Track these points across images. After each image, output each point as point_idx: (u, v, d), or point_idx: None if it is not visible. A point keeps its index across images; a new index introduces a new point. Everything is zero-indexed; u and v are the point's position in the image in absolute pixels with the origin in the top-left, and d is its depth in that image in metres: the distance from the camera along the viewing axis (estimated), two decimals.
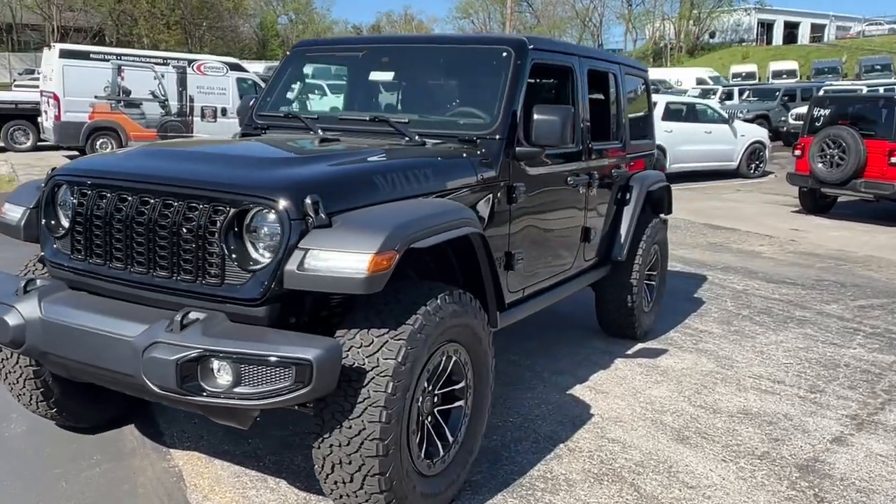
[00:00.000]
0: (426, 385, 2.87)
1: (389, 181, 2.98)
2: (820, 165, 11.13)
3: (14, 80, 31.96)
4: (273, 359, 2.42)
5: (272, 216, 2.63)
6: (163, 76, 16.59)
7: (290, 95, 4.48)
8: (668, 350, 5.35)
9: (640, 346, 5.42)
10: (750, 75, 39.24)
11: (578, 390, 4.51)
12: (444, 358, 2.94)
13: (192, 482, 3.25)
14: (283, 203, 2.61)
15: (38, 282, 2.98)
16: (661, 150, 14.59)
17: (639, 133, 5.72)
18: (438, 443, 2.99)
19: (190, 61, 17.24)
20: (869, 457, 3.82)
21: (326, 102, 8.63)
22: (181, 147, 3.43)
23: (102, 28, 52.71)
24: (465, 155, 3.48)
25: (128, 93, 16.07)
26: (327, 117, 4.18)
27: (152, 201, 2.81)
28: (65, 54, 15.78)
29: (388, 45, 4.54)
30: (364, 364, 2.61)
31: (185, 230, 2.73)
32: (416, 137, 3.65)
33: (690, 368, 4.98)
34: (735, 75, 39.36)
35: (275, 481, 3.27)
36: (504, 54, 3.85)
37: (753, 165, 16.25)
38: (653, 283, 5.71)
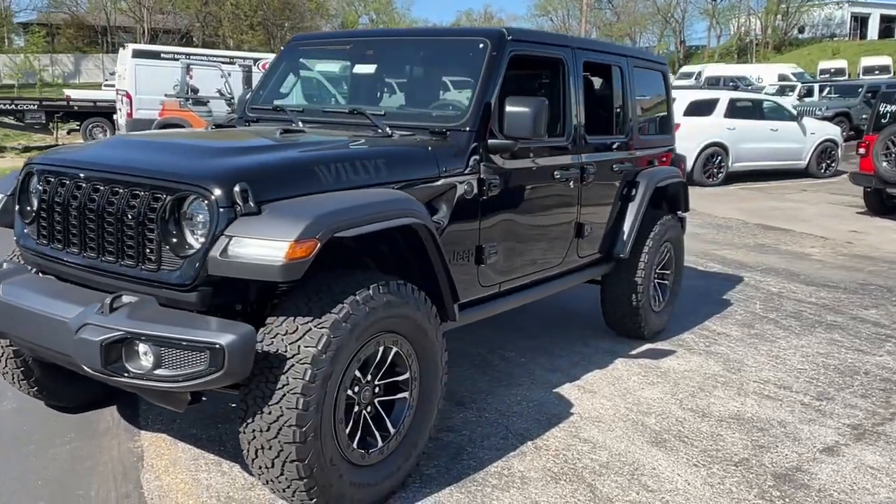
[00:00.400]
0: (359, 375, 2.86)
1: (333, 172, 2.99)
2: (885, 164, 10.57)
3: (105, 81, 33.54)
4: (186, 342, 2.47)
5: (203, 204, 2.68)
6: (229, 75, 17.08)
7: (283, 89, 4.55)
8: (675, 351, 5.19)
9: (647, 346, 5.27)
10: (839, 72, 37.50)
11: (566, 389, 4.43)
12: (381, 348, 2.93)
13: (151, 462, 3.35)
14: (212, 191, 2.66)
15: (5, 265, 3.13)
16: (723, 147, 14.17)
17: (653, 128, 5.56)
18: (377, 433, 2.99)
19: (255, 60, 17.70)
20: (858, 468, 3.61)
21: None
22: (144, 138, 3.54)
23: (190, 29, 54.66)
24: (429, 147, 3.46)
25: (195, 91, 16.62)
26: (312, 110, 4.22)
27: (102, 189, 2.91)
28: (137, 54, 16.47)
29: (373, 38, 4.57)
30: (286, 351, 2.63)
31: (128, 217, 2.81)
32: (387, 129, 3.65)
33: (693, 371, 4.82)
34: (823, 72, 37.68)
35: (229, 465, 3.34)
36: (481, 46, 3.81)
37: (824, 165, 15.55)
38: (665, 282, 5.54)
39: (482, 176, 3.64)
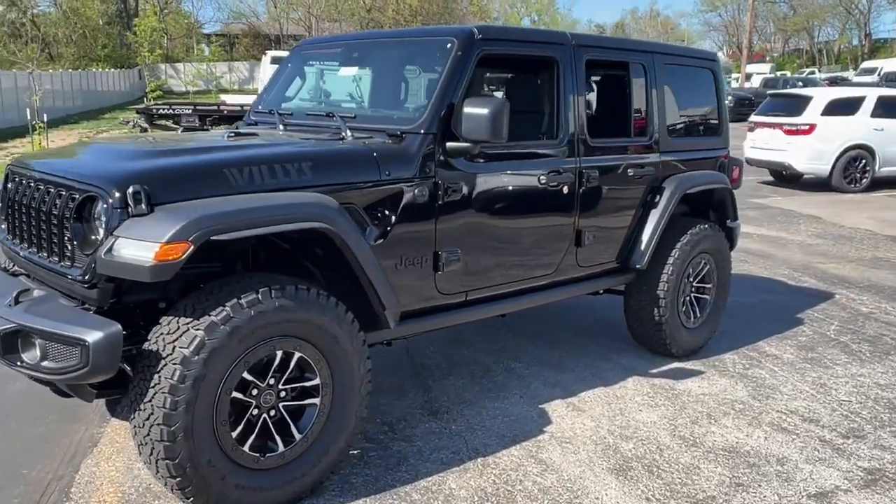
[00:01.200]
0: (253, 378, 2.86)
1: (246, 174, 3.00)
2: None
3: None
4: (60, 337, 2.58)
5: (103, 205, 2.79)
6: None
7: (288, 93, 4.63)
8: (703, 372, 4.77)
9: (674, 364, 4.89)
10: None
11: (555, 405, 4.20)
12: (280, 353, 2.91)
13: (101, 449, 3.53)
14: (109, 192, 2.77)
15: None
16: (868, 150, 12.92)
17: (694, 130, 5.16)
18: (278, 438, 2.98)
19: None
20: None
21: None
22: (102, 143, 3.72)
23: None
24: (372, 151, 3.39)
25: (328, 95, 17.29)
26: (298, 113, 4.26)
27: (41, 188, 3.11)
28: (274, 61, 17.41)
29: (359, 41, 4.57)
30: (163, 350, 2.68)
31: (51, 215, 2.98)
32: (344, 132, 3.63)
33: (711, 395, 4.41)
34: None
35: None
36: (448, 45, 3.69)
37: None
38: (705, 296, 5.11)
39: (438, 180, 3.52)
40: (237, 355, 2.77)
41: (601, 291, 4.89)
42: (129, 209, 2.73)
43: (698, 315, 5.06)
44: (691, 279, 4.99)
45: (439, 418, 3.97)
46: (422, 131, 3.50)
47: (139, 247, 2.61)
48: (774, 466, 3.60)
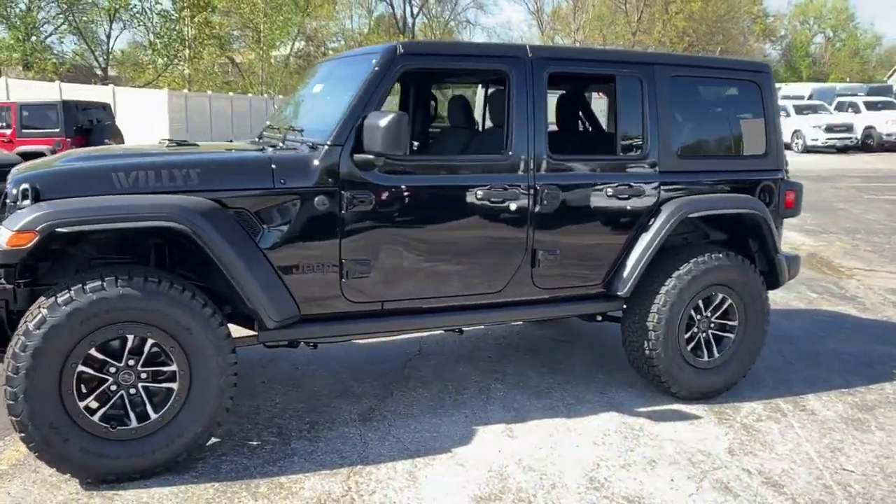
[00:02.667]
0: (104, 357, 3.23)
1: (132, 178, 3.40)
2: None
3: None
4: None
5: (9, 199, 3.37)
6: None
7: (290, 108, 4.99)
8: (698, 418, 4.30)
9: (672, 406, 4.46)
10: None
11: (491, 429, 4.06)
12: (131, 337, 3.25)
13: None
14: (11, 189, 3.33)
15: None
16: None
17: (723, 149, 4.68)
18: (132, 414, 3.32)
19: None
20: None
21: None
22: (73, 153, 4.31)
23: None
24: (271, 162, 3.63)
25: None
26: (277, 127, 4.58)
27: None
28: None
29: (325, 60, 4.79)
30: (21, 324, 3.17)
31: None
32: (279, 144, 3.92)
33: (680, 442, 3.97)
34: None
35: None
36: (372, 61, 3.82)
37: None
38: (728, 335, 4.59)
39: (342, 191, 3.66)
40: (81, 334, 3.15)
41: (599, 318, 4.60)
42: (18, 203, 3.24)
43: (715, 355, 4.53)
44: (706, 314, 4.50)
45: (365, 426, 4.04)
46: (328, 143, 3.66)
47: (1, 233, 3.11)
48: None
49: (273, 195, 3.57)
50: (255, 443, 3.78)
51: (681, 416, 4.29)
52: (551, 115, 4.72)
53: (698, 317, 4.47)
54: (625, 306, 4.46)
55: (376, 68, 3.72)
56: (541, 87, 4.03)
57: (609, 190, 4.21)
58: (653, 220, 4.31)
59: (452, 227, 3.92)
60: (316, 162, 3.62)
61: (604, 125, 5.13)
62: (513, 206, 3.98)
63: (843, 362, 5.26)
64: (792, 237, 10.17)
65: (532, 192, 4.01)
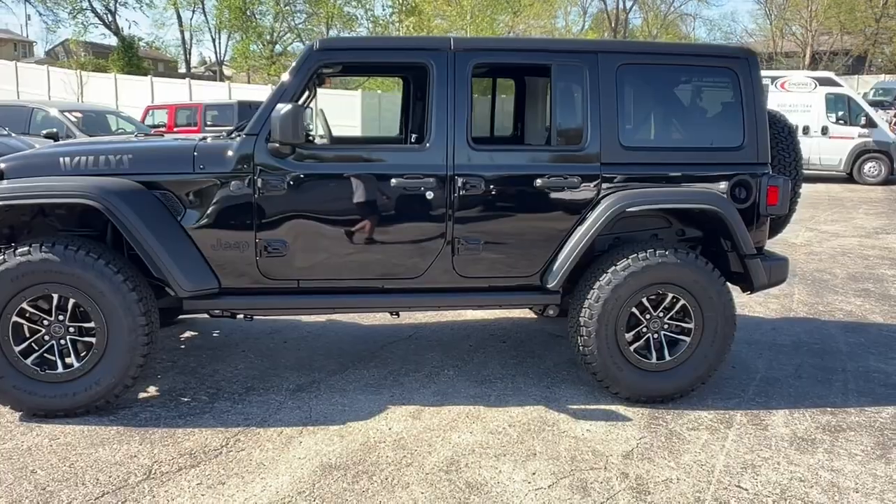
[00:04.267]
0: (34, 310, 3.87)
1: (75, 162, 4.02)
2: None
3: None
4: None
5: None
6: None
7: None
8: (626, 420, 4.14)
9: (607, 406, 4.34)
10: None
11: (405, 409, 4.19)
12: (55, 296, 3.85)
13: None
14: None
15: None
16: None
17: (687, 140, 4.44)
18: (59, 362, 3.93)
19: (773, 78, 16.75)
20: None
21: None
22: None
23: (863, 51, 51.20)
24: (194, 149, 4.08)
25: None
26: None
27: None
28: None
29: None
30: None
31: None
32: (222, 135, 4.39)
33: (579, 439, 3.87)
34: None
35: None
36: (300, 58, 4.16)
37: None
38: (683, 337, 4.36)
39: (255, 177, 4.04)
40: (13, 290, 3.80)
41: (552, 312, 4.56)
42: None
43: (666, 358, 4.33)
44: (657, 314, 4.31)
45: (293, 396, 4.37)
46: (245, 133, 4.06)
47: None
48: (471, 495, 3.22)
49: (193, 180, 4.01)
50: (186, 399, 4.25)
51: (608, 416, 4.15)
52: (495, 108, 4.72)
53: (646, 316, 4.27)
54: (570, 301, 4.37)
55: (297, 65, 4.03)
56: (463, 79, 4.10)
57: (539, 182, 4.17)
58: (591, 213, 4.20)
59: (367, 214, 4.12)
60: (231, 151, 4.00)
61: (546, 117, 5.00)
62: (430, 195, 4.10)
63: (864, 381, 4.71)
64: None
65: (450, 181, 4.10)
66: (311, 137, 4.68)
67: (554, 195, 4.18)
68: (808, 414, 4.20)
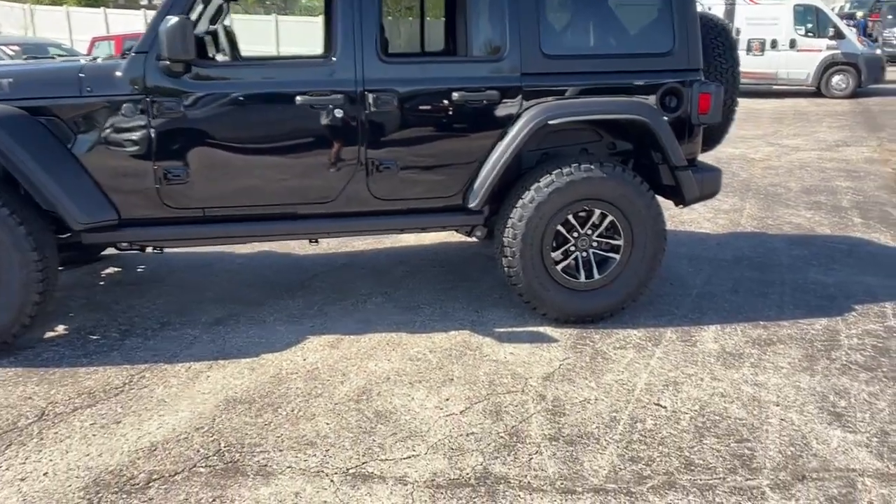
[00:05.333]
0: None
1: None
2: None
3: None
4: None
5: None
6: (709, 8, 16.22)
7: None
8: (555, 342, 4.02)
9: (534, 328, 4.20)
10: None
11: (323, 339, 4.04)
12: None
13: None
14: None
15: None
16: None
17: (616, 48, 4.18)
18: None
19: None
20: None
21: None
22: None
23: None
24: (80, 71, 3.77)
25: None
26: None
27: None
28: None
29: None
30: None
31: None
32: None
33: (506, 366, 3.74)
34: None
35: None
36: None
37: None
38: (613, 255, 4.20)
39: (149, 98, 3.75)
40: None
41: (479, 234, 4.36)
42: None
43: (595, 276, 4.17)
44: (585, 231, 4.13)
45: (209, 330, 4.18)
46: (134, 51, 3.75)
47: None
48: (378, 424, 3.09)
49: (80, 104, 3.72)
50: (95, 337, 4.06)
51: (534, 338, 4.01)
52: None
53: (574, 234, 4.09)
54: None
55: None
56: None
57: (456, 95, 3.92)
58: (512, 127, 3.97)
59: (272, 135, 3.87)
60: (120, 71, 3.70)
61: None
62: (339, 113, 3.85)
63: (800, 293, 4.62)
64: None
65: (360, 98, 3.84)
66: (213, 57, 4.38)
67: (473, 109, 3.95)
68: (739, 328, 4.09)
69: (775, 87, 16.32)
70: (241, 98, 3.79)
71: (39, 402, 3.34)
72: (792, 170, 8.50)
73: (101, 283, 5.00)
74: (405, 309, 4.41)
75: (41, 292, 3.72)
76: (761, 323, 4.16)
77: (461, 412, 3.25)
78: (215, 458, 2.90)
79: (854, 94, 15.75)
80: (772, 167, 8.66)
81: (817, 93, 16.01)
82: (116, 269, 5.25)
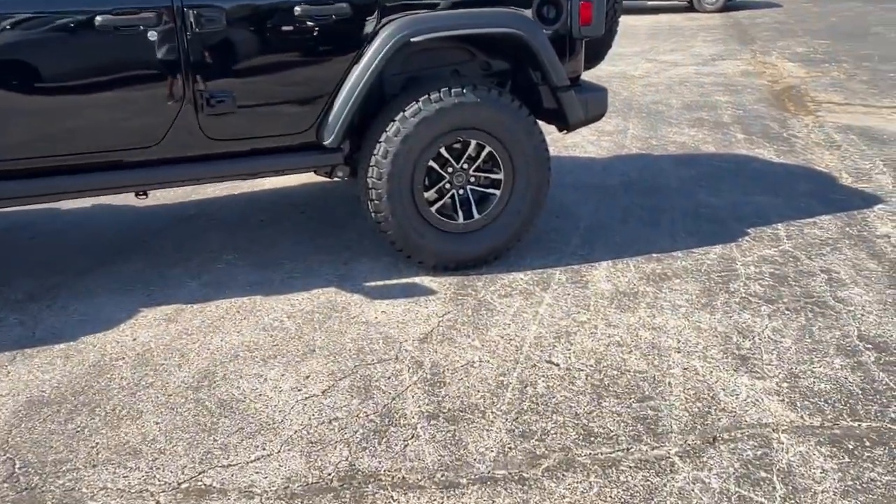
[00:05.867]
0: None
1: None
2: None
3: None
4: None
5: None
6: None
7: None
8: (433, 293, 3.53)
9: (409, 280, 3.68)
10: None
11: (162, 311, 3.42)
12: None
13: None
14: None
15: None
16: None
17: None
18: None
19: None
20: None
21: None
22: None
23: None
24: None
25: None
26: None
27: None
28: None
29: None
30: None
31: None
32: None
33: (377, 328, 3.23)
34: None
35: None
36: None
37: None
38: (493, 191, 3.69)
39: None
40: None
41: (341, 175, 3.75)
42: None
43: (475, 215, 3.66)
44: (460, 166, 3.60)
45: (22, 308, 3.46)
46: None
47: None
48: (221, 418, 2.52)
49: None
50: None
51: (410, 291, 3.52)
52: None
53: (448, 170, 3.56)
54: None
55: None
56: None
57: (298, 10, 3.26)
58: (367, 48, 3.35)
59: (72, 67, 3.12)
60: None
61: None
62: (153, 36, 3.12)
63: (691, 219, 4.32)
64: (788, 67, 8.72)
65: (179, 15, 3.11)
66: None
67: (320, 27, 3.31)
68: (632, 263, 3.74)
69: (650, 3, 16.14)
70: (27, 22, 3.00)
71: None
72: (671, 86, 8.25)
73: None
74: (261, 266, 3.81)
75: None
76: (654, 255, 3.82)
77: (323, 392, 2.73)
78: (6, 485, 2.27)
79: (725, 9, 15.78)
80: (652, 84, 8.39)
81: (690, 7, 15.96)
82: None
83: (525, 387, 2.74)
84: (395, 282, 3.62)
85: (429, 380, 2.80)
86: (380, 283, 3.61)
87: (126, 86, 3.18)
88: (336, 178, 3.73)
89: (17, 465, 2.36)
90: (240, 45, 3.26)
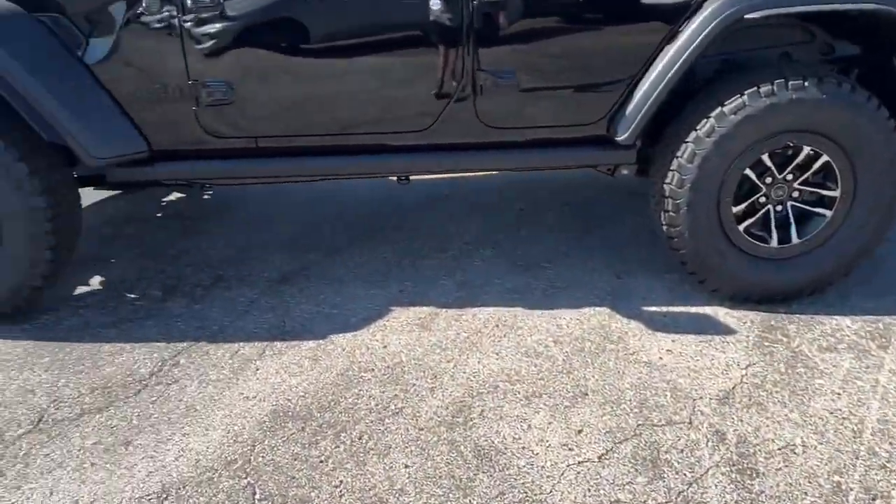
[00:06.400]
0: None
1: None
2: None
3: None
4: None
5: None
6: None
7: None
8: (729, 334, 2.90)
9: (699, 310, 3.07)
10: None
11: (416, 312, 3.10)
12: None
13: None
14: None
15: None
16: None
17: None
18: None
19: None
20: None
21: None
22: None
23: None
24: None
25: None
26: None
27: None
28: None
29: None
30: None
31: None
32: None
33: (672, 372, 2.69)
34: None
35: None
36: None
37: None
38: (821, 212, 2.96)
39: None
40: None
41: (625, 172, 3.20)
42: None
43: (792, 240, 2.95)
44: (782, 177, 2.89)
45: (270, 292, 3.29)
46: None
47: None
48: (479, 472, 2.10)
49: None
50: (132, 295, 3.25)
51: (700, 326, 2.90)
52: None
53: (766, 180, 2.86)
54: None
55: None
56: None
57: None
58: (686, 24, 2.71)
59: (341, 38, 2.80)
60: None
61: None
62: (436, 6, 2.70)
63: None
64: None
65: None
66: None
67: None
68: None
69: None
70: None
71: (41, 399, 2.54)
72: None
73: (159, 214, 4.17)
74: (521, 269, 3.35)
75: (54, 247, 2.87)
76: None
77: (599, 458, 2.20)
78: None
79: None
80: None
81: None
82: (180, 194, 4.40)
83: (874, 499, 2.02)
84: (681, 309, 2.98)
85: (735, 463, 2.17)
86: (663, 308, 3.00)
87: (399, 63, 2.82)
88: (620, 175, 3.13)
89: (258, 496, 2.08)
90: (529, 16, 2.74)
